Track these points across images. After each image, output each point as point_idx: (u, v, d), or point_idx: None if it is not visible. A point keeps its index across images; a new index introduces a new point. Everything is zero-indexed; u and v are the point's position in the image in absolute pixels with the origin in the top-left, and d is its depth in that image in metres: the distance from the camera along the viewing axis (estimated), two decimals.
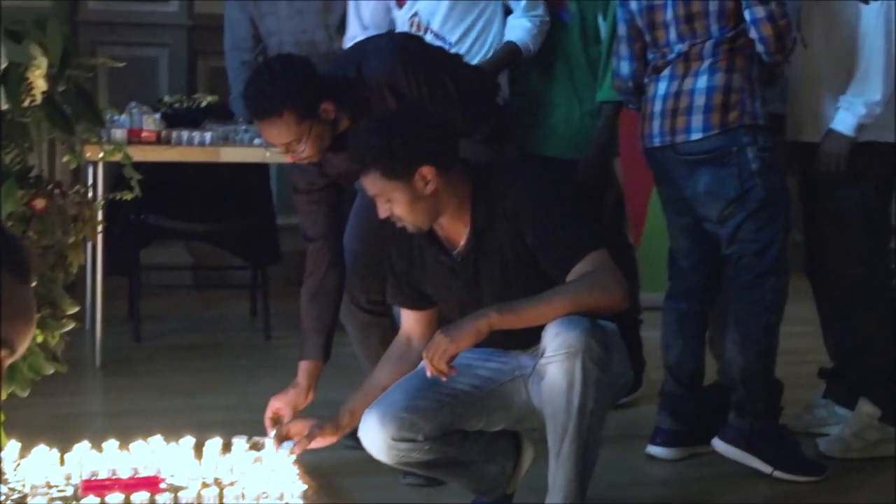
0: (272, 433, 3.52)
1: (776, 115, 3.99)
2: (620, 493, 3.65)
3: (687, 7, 3.77)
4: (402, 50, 3.53)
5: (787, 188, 3.81)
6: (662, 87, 3.84)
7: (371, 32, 4.27)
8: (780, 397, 3.86)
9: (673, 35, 3.81)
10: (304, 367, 3.61)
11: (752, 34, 3.71)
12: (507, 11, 4.23)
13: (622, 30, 3.99)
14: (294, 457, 3.32)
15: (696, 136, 3.75)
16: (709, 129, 3.73)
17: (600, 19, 4.28)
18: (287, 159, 3.46)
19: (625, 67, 4.00)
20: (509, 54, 4.15)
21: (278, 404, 3.56)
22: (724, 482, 3.78)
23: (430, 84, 3.48)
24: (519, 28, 4.15)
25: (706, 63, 3.76)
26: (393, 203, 3.05)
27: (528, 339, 3.08)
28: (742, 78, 3.74)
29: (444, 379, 3.02)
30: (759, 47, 3.71)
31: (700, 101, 3.74)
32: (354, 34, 4.33)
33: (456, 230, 3.14)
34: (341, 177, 3.57)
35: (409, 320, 3.38)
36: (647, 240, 5.97)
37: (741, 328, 3.78)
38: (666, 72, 3.84)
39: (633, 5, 3.90)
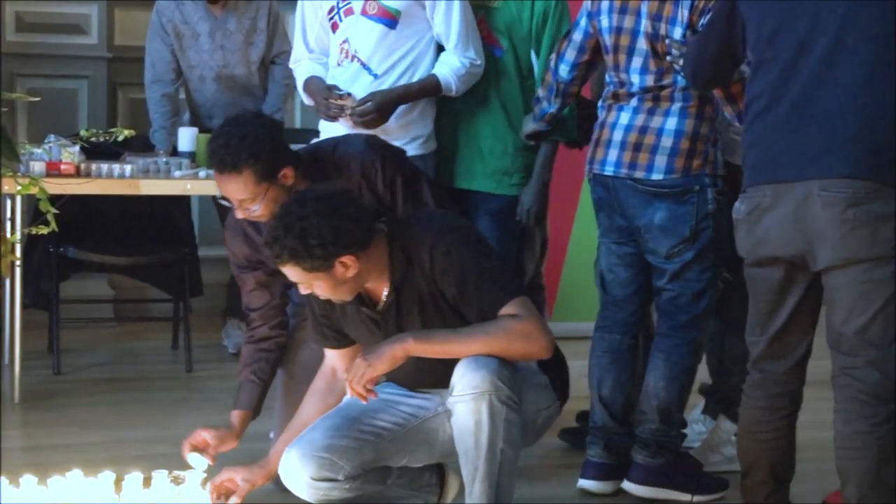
0: (189, 455, 3.50)
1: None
2: None
3: (655, 45, 3.75)
4: (374, 144, 3.61)
5: (729, 238, 3.77)
6: (626, 117, 3.81)
7: (317, 56, 4.29)
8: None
9: (637, 64, 3.78)
10: (237, 415, 3.64)
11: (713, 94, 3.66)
12: (441, 50, 4.21)
13: (577, 37, 3.95)
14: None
15: (656, 176, 3.75)
16: (671, 171, 3.74)
17: (533, 56, 4.30)
18: (237, 214, 3.46)
19: (563, 70, 3.98)
20: (427, 87, 4.14)
21: (206, 435, 3.55)
22: None
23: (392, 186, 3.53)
24: (447, 65, 4.14)
25: (677, 105, 3.76)
26: (315, 287, 3.07)
27: (448, 379, 3.10)
28: (709, 127, 3.77)
29: (364, 402, 3.03)
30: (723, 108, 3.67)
31: (667, 143, 3.74)
32: (299, 57, 4.34)
33: (377, 287, 3.16)
34: None
35: (332, 354, 3.39)
36: (568, 270, 6.02)
37: (669, 366, 3.82)
38: (631, 102, 3.81)
39: (604, 21, 3.85)
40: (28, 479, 3.37)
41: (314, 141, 4.15)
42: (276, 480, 3.34)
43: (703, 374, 4.46)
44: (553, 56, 4.06)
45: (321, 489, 3.15)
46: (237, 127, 3.38)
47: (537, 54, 4.28)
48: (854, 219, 2.96)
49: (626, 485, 3.85)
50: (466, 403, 2.96)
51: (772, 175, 3.09)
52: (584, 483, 3.95)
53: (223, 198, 3.46)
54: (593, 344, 4.04)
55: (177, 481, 3.48)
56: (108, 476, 3.42)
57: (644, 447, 3.83)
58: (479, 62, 4.18)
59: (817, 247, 3.01)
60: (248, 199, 3.38)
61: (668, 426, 3.83)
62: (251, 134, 3.34)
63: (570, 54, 3.98)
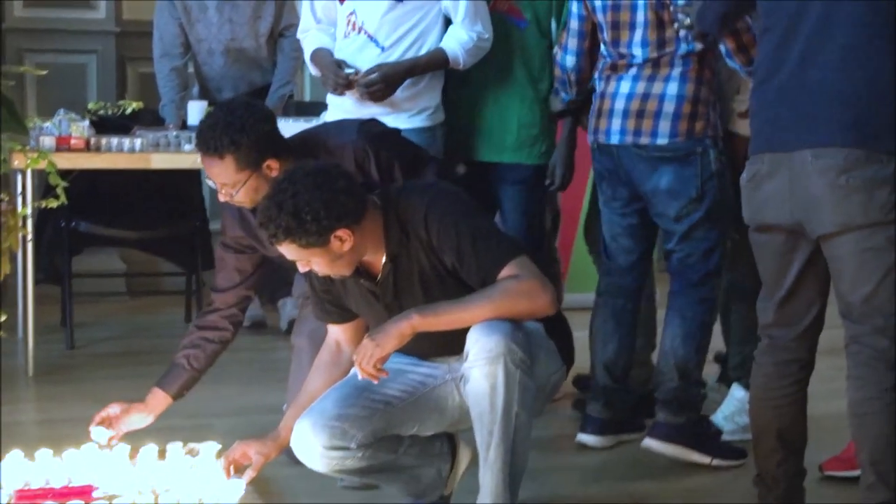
0: (92, 428, 3.50)
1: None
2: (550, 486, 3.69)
3: (659, 14, 3.80)
4: (368, 131, 3.58)
5: (732, 195, 3.86)
6: (626, 85, 3.88)
7: (324, 27, 4.27)
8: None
9: (638, 37, 3.84)
10: (156, 394, 3.63)
11: (721, 48, 3.72)
12: (449, 23, 4.20)
13: (574, 24, 4.02)
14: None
15: (661, 140, 3.82)
16: (675, 135, 3.81)
17: (553, 25, 4.30)
18: (220, 197, 3.45)
19: (570, 61, 4.05)
20: (434, 61, 4.13)
21: (116, 409, 3.56)
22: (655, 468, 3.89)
23: (381, 169, 3.51)
24: (454, 38, 4.14)
25: (676, 70, 3.82)
26: (313, 264, 3.07)
27: (456, 347, 3.10)
28: (708, 91, 3.84)
29: (375, 381, 3.04)
30: (728, 61, 3.75)
31: (669, 107, 3.81)
32: (307, 27, 4.33)
33: (374, 259, 3.15)
34: None
35: (336, 329, 3.39)
36: (580, 242, 6.01)
37: (685, 324, 3.89)
38: (630, 72, 3.87)
39: (597, 1, 3.91)
40: (43, 453, 3.39)
41: (321, 120, 4.14)
42: (289, 452, 3.34)
43: (717, 342, 4.48)
44: (557, 49, 4.12)
45: (334, 458, 3.15)
46: (226, 112, 3.38)
47: (557, 22, 4.29)
48: (847, 185, 2.95)
49: (647, 441, 3.91)
50: (481, 368, 2.97)
51: (769, 144, 3.10)
52: (582, 437, 4.06)
53: (209, 177, 3.45)
54: (596, 309, 4.12)
55: (192, 453, 3.49)
56: (122, 448, 3.44)
57: (665, 406, 3.89)
58: (486, 35, 4.17)
59: (814, 214, 3.01)
60: (228, 184, 3.38)
61: (686, 383, 3.89)
62: (238, 122, 3.33)
63: (572, 43, 4.04)
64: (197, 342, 3.65)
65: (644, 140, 3.84)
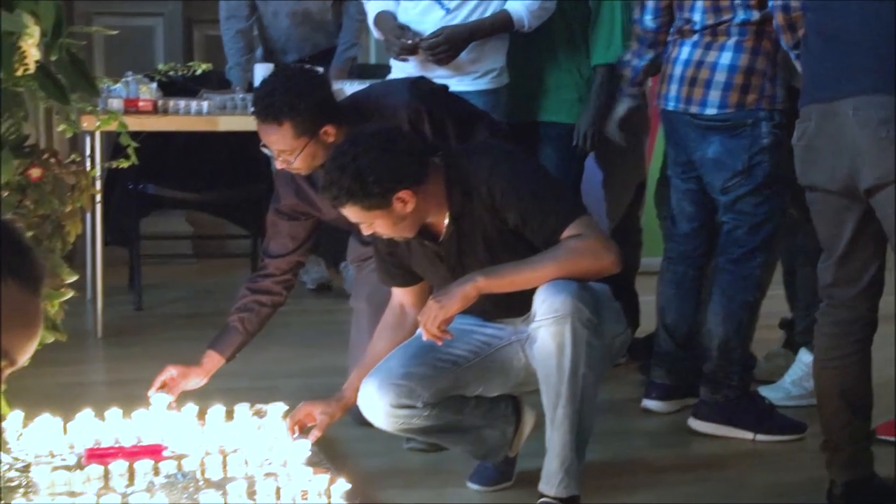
0: (153, 395, 3.51)
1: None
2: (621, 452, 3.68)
3: None
4: (419, 89, 3.56)
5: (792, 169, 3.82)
6: (685, 52, 3.85)
7: None
8: (752, 370, 3.97)
9: (699, 3, 3.81)
10: (212, 356, 3.63)
11: (774, 22, 3.69)
12: None
13: None
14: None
15: (710, 111, 3.79)
16: (725, 106, 3.77)
17: None
18: (276, 165, 3.45)
19: (650, 21, 3.99)
20: (499, 23, 4.12)
21: (173, 373, 3.57)
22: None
23: (435, 127, 3.49)
24: (519, 0, 4.13)
25: (733, 40, 3.78)
26: (376, 226, 3.06)
27: (520, 308, 3.09)
28: (766, 62, 3.77)
29: (439, 343, 3.03)
30: (780, 38, 3.71)
31: (721, 77, 3.77)
32: None
33: (437, 220, 3.14)
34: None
35: (399, 291, 3.39)
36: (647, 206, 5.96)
37: (725, 301, 3.85)
38: (692, 38, 3.84)
39: None
40: (113, 412, 3.42)
41: (388, 78, 4.14)
42: (354, 413, 3.35)
43: (783, 307, 4.44)
44: (636, 9, 4.07)
45: (400, 417, 3.16)
46: (283, 79, 3.37)
47: None
48: (887, 136, 2.92)
49: (691, 421, 3.89)
50: (548, 328, 2.95)
51: (813, 96, 3.08)
52: (647, 403, 4.07)
53: (263, 146, 3.43)
54: (661, 274, 4.12)
55: (258, 414, 3.52)
56: (191, 409, 3.47)
57: (706, 384, 3.87)
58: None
59: (859, 167, 2.97)
60: (286, 150, 3.36)
61: (727, 363, 3.84)
62: (295, 87, 3.32)
63: (652, 3, 3.98)
64: (251, 305, 3.66)
65: (694, 108, 3.81)
